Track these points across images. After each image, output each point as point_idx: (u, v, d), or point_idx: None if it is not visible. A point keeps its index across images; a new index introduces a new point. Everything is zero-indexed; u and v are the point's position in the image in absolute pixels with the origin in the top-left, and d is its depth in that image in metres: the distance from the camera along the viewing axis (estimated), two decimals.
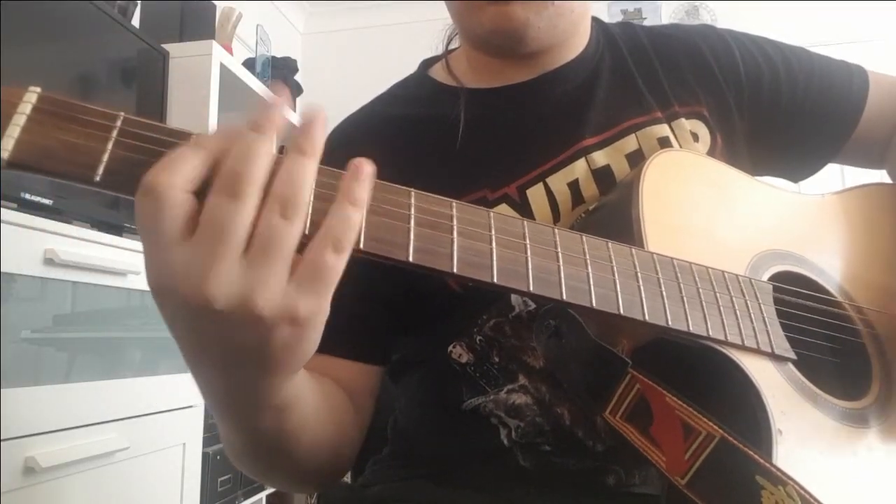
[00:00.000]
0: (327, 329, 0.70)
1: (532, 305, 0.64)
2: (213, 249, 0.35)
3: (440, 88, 0.76)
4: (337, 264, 0.37)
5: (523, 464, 0.64)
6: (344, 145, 0.74)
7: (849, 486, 0.53)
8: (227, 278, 0.35)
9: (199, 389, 0.45)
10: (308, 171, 0.38)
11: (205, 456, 1.73)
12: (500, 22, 0.65)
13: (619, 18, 3.15)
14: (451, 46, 0.82)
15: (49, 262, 1.22)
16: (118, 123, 0.37)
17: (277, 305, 0.36)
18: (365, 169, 0.39)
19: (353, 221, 0.38)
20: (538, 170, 0.68)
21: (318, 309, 0.38)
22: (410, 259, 0.41)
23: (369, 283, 0.65)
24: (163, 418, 1.52)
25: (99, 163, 0.36)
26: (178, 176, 0.35)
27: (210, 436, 1.81)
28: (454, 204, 0.44)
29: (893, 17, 2.97)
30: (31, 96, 0.36)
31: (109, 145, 0.36)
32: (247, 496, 2.05)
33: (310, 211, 0.38)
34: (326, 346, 0.65)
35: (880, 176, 0.83)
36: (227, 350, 0.39)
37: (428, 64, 0.82)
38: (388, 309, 0.68)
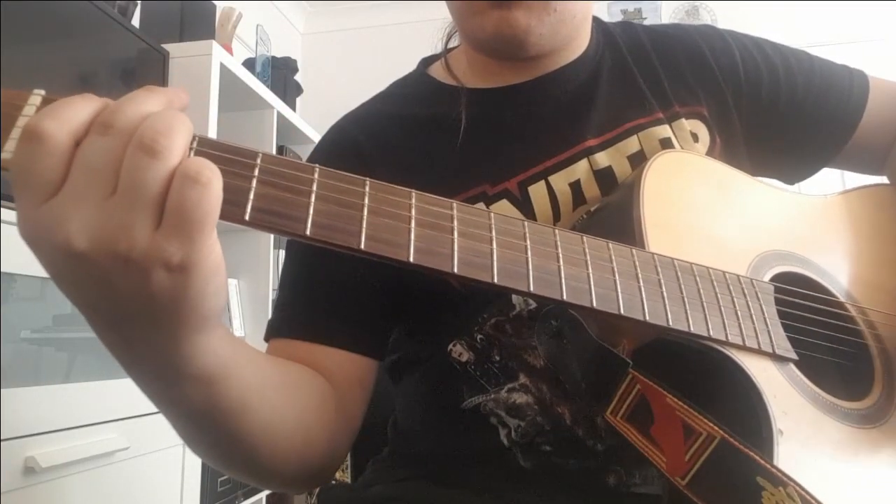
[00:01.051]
0: (309, 315, 0.68)
1: (533, 304, 0.64)
2: (79, 190, 0.35)
3: (440, 87, 0.76)
4: (204, 200, 0.35)
5: (523, 464, 0.64)
6: (343, 142, 0.74)
7: (850, 487, 0.53)
8: (91, 221, 0.34)
9: (122, 367, 0.43)
10: (178, 119, 0.36)
11: None
12: (503, 28, 0.65)
13: (619, 18, 3.15)
14: (451, 44, 0.82)
15: None
16: None
17: (145, 248, 0.35)
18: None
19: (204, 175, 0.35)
20: (540, 166, 0.68)
21: (195, 254, 0.36)
22: (411, 259, 0.41)
23: (360, 276, 0.65)
24: (163, 418, 1.49)
25: None
26: (63, 122, 0.35)
27: None
28: (455, 204, 0.44)
29: (893, 17, 2.97)
30: (36, 99, 0.36)
31: None
32: (247, 496, 2.05)
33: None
34: (311, 333, 0.66)
35: (881, 177, 0.82)
36: (109, 300, 0.37)
37: (427, 62, 0.82)
38: (379, 299, 0.68)
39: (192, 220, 0.35)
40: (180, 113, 0.37)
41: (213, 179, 0.35)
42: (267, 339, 0.70)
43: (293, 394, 0.58)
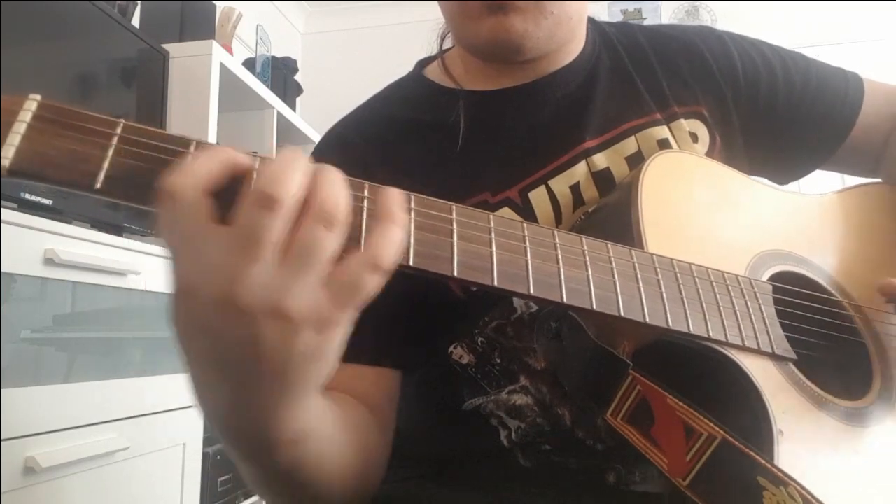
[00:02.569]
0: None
1: (534, 308, 0.64)
2: (245, 252, 0.35)
3: (437, 90, 0.76)
4: (373, 284, 0.38)
5: (523, 463, 0.64)
6: (340, 146, 0.74)
7: (850, 486, 0.53)
8: (260, 278, 0.35)
9: (210, 415, 0.45)
10: (345, 188, 0.38)
11: (205, 456, 1.73)
12: (499, 33, 0.64)
13: (618, 18, 3.15)
14: (445, 45, 0.82)
15: (49, 262, 1.22)
16: (118, 130, 0.37)
17: (307, 308, 0.36)
18: (404, 194, 0.40)
19: (397, 245, 0.38)
20: (540, 172, 0.68)
21: (345, 320, 0.38)
22: (411, 263, 0.41)
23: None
24: (163, 418, 1.51)
25: (99, 170, 0.36)
26: (191, 177, 0.36)
27: (210, 436, 1.80)
28: (454, 207, 0.44)
29: (893, 17, 2.97)
30: (31, 104, 0.36)
31: (110, 152, 0.36)
32: (247, 496, 2.05)
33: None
34: (345, 354, 0.65)
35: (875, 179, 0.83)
36: (248, 358, 0.38)
37: (423, 64, 0.82)
38: (398, 309, 0.68)
39: (359, 295, 0.37)
40: (339, 175, 0.38)
41: (387, 271, 0.38)
42: None
43: (348, 421, 0.58)
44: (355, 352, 0.65)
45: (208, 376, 0.41)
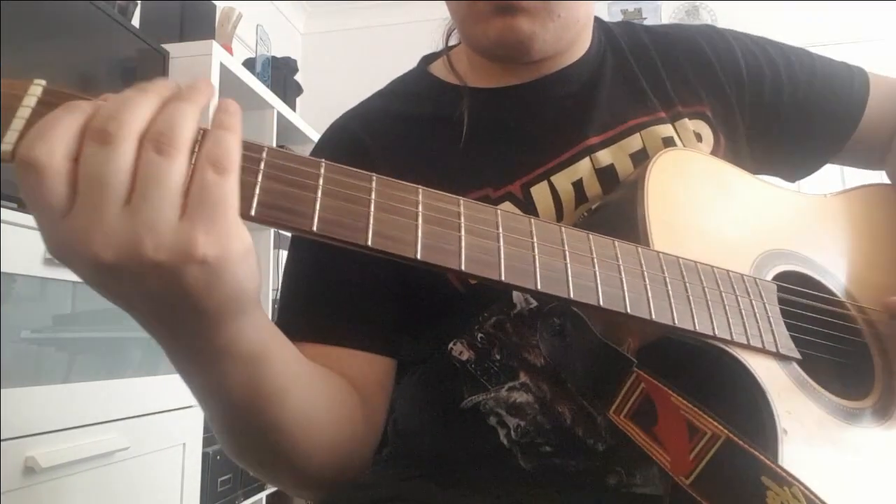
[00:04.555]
0: (324, 317, 0.68)
1: (534, 303, 0.64)
2: (93, 204, 0.34)
3: (442, 86, 0.76)
4: (223, 185, 0.36)
5: (524, 465, 0.64)
6: (343, 140, 0.74)
7: (853, 486, 0.53)
8: (112, 231, 0.34)
9: (168, 357, 0.44)
10: (187, 111, 0.37)
11: (205, 456, 1.73)
12: (507, 35, 0.65)
13: (619, 18, 3.16)
14: (451, 42, 0.82)
15: (49, 262, 1.22)
16: None
17: (171, 247, 0.35)
18: (231, 104, 0.39)
19: (230, 142, 0.37)
20: (542, 168, 0.68)
21: (219, 242, 0.36)
22: (418, 256, 0.41)
23: (378, 273, 0.65)
24: (163, 418, 1.51)
25: None
26: (55, 143, 0.34)
27: (210, 436, 1.80)
28: (462, 201, 0.44)
29: (893, 17, 2.97)
30: (36, 89, 0.36)
31: None
32: (247, 496, 2.05)
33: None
34: (331, 336, 0.65)
35: (881, 176, 0.83)
36: (148, 299, 0.38)
37: (428, 60, 0.82)
38: (397, 300, 0.67)
39: (215, 206, 0.35)
40: (185, 103, 0.37)
41: (230, 169, 0.36)
42: None
43: (326, 384, 0.58)
44: (344, 334, 0.65)
45: (128, 311, 0.40)
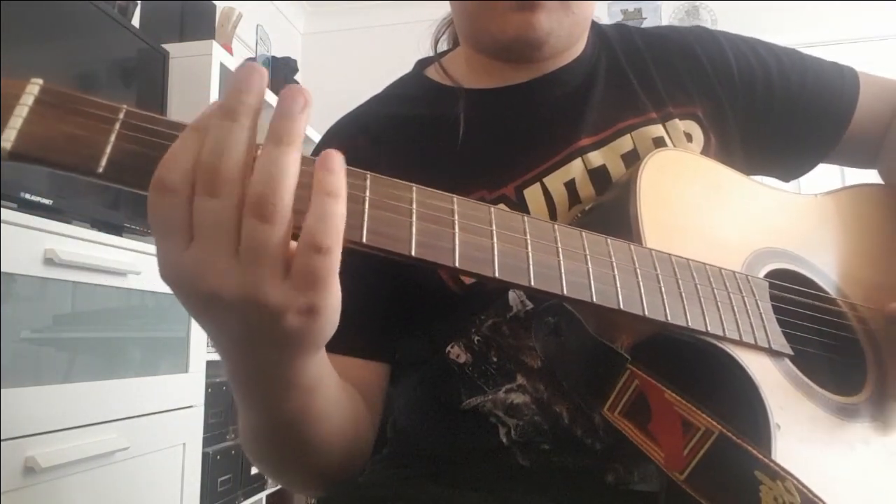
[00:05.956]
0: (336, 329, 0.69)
1: (530, 305, 0.65)
2: (209, 247, 0.36)
3: (438, 88, 0.76)
4: (326, 264, 0.37)
5: (522, 463, 0.64)
6: (340, 144, 0.74)
7: (846, 481, 0.54)
8: (228, 274, 0.36)
9: (226, 372, 0.46)
10: (287, 164, 0.36)
11: (205, 456, 1.74)
12: (526, 31, 0.65)
13: (619, 18, 3.16)
14: (441, 48, 0.82)
15: (49, 262, 1.22)
16: (121, 116, 0.37)
17: (279, 299, 0.37)
18: (335, 158, 0.38)
19: (334, 218, 0.37)
20: (535, 170, 0.68)
21: (322, 301, 0.38)
22: (413, 253, 0.41)
23: (373, 281, 0.65)
24: (163, 418, 1.52)
25: (102, 154, 0.36)
26: (177, 173, 0.36)
27: (210, 436, 1.81)
28: (455, 199, 0.44)
29: (893, 17, 2.98)
30: (34, 88, 0.36)
31: (112, 137, 0.37)
32: (247, 496, 2.05)
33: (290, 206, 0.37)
34: (336, 346, 0.66)
35: (877, 176, 0.83)
36: (243, 332, 0.40)
37: (423, 64, 0.82)
38: (392, 306, 0.68)
39: (319, 280, 0.37)
40: (284, 151, 0.37)
41: (333, 247, 0.37)
42: None
43: (347, 397, 0.60)
44: (342, 343, 0.66)
45: (215, 338, 0.43)
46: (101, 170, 0.36)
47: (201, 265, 0.36)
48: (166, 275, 0.38)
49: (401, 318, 0.69)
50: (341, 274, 0.58)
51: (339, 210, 0.37)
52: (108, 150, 0.36)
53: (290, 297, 0.37)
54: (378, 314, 0.68)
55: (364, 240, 0.40)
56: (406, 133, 0.73)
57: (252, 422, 0.53)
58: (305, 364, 0.45)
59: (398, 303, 0.68)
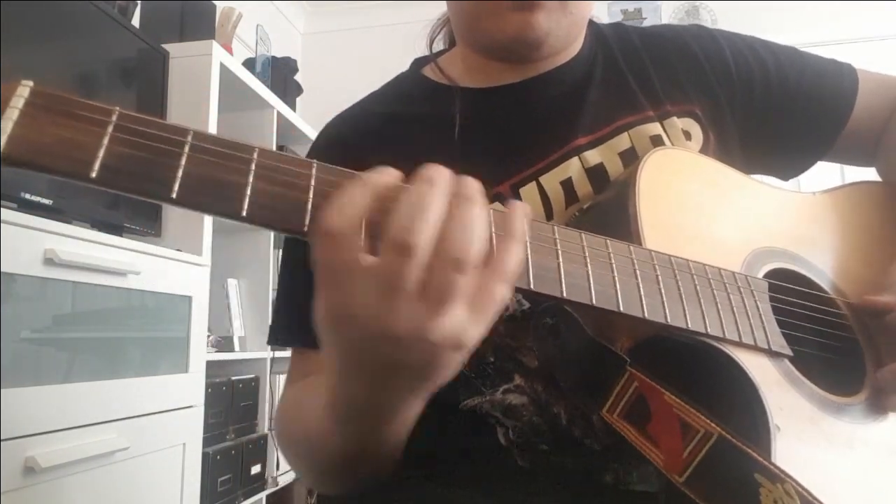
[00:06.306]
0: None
1: (526, 305, 0.64)
2: (390, 291, 0.38)
3: (434, 87, 0.77)
4: (506, 296, 0.40)
5: (521, 463, 0.64)
6: (336, 142, 0.74)
7: (846, 481, 0.54)
8: (406, 314, 0.38)
9: (338, 401, 0.48)
10: (477, 221, 0.40)
11: (205, 456, 1.73)
12: (525, 30, 0.65)
13: (619, 18, 3.16)
14: (436, 48, 0.82)
15: (49, 262, 1.22)
16: (114, 118, 0.36)
17: (451, 336, 0.39)
18: (525, 209, 0.43)
19: (517, 256, 0.41)
20: (531, 169, 0.68)
21: (479, 335, 0.41)
22: None
23: None
24: (163, 418, 1.52)
25: (95, 159, 0.35)
26: (350, 221, 0.38)
27: (210, 436, 1.81)
28: None
29: (893, 17, 2.97)
30: (24, 90, 0.35)
31: (105, 140, 0.36)
32: (247, 496, 2.05)
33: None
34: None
35: (875, 174, 0.83)
36: (393, 369, 0.42)
37: (420, 63, 0.82)
38: None
39: (494, 309, 0.40)
40: (473, 211, 0.40)
41: (515, 278, 0.41)
42: (272, 344, 0.71)
43: None
44: None
45: (352, 374, 0.44)
46: (94, 175, 0.35)
47: (378, 304, 0.38)
48: (335, 311, 0.40)
49: None
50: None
51: (520, 253, 0.42)
52: (102, 154, 0.35)
53: (460, 330, 0.39)
54: None
55: None
56: (401, 131, 0.73)
57: (339, 446, 0.53)
58: (416, 404, 0.47)
59: None
